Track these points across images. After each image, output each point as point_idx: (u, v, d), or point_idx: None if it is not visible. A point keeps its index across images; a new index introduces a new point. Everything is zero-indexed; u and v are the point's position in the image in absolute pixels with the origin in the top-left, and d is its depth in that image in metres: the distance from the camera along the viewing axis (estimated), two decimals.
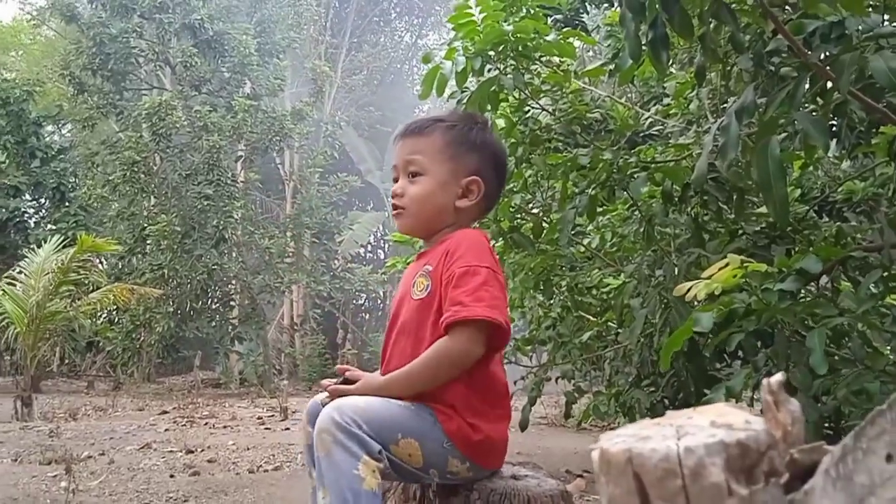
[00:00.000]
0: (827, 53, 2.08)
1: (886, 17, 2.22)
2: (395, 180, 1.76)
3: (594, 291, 3.75)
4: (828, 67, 2.10)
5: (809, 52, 2.08)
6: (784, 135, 2.71)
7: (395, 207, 1.75)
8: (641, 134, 3.45)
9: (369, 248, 23.21)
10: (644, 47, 2.17)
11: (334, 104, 19.60)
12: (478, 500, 1.52)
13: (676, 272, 3.21)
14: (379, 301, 22.52)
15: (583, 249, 3.81)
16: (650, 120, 3.55)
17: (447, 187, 1.69)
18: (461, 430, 1.53)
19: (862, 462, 0.44)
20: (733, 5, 2.32)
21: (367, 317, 23.44)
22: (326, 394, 1.60)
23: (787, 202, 2.17)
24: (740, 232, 3.30)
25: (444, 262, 1.60)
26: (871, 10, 2.19)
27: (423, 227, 1.75)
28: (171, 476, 3.68)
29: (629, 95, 4.62)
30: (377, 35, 24.04)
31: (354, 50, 22.07)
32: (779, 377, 0.51)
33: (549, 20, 4.13)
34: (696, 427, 0.45)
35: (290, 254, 14.86)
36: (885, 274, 3.09)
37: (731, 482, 0.43)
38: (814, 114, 2.46)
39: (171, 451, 4.57)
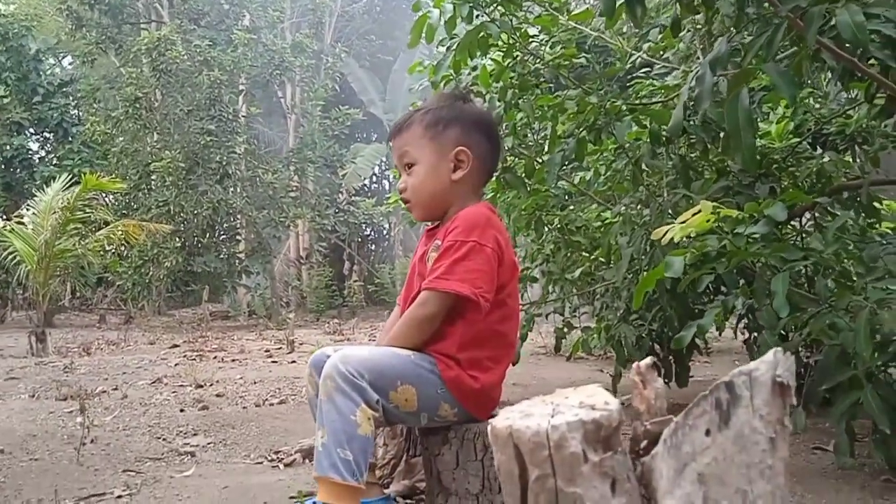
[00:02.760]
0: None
1: None
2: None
3: (584, 229, 3.85)
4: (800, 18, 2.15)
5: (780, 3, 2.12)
6: None
7: (404, 202, 1.90)
8: (630, 76, 3.50)
9: (374, 179, 23.25)
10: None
11: (334, 34, 19.35)
12: (454, 437, 1.66)
13: (662, 212, 3.30)
14: (384, 232, 22.71)
15: (574, 186, 3.90)
16: (640, 60, 3.59)
17: (439, 167, 1.81)
18: (459, 379, 1.67)
19: (688, 434, 0.55)
20: None
21: (374, 248, 23.65)
22: (326, 349, 1.76)
23: (756, 150, 2.25)
24: (728, 170, 3.37)
25: (444, 236, 1.75)
26: None
27: (433, 209, 1.87)
28: (182, 410, 3.87)
29: (629, 24, 4.60)
30: None
31: None
32: (647, 361, 0.62)
33: None
34: (568, 406, 0.56)
35: (294, 188, 14.94)
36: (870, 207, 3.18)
37: (587, 451, 0.54)
38: (791, 60, 2.51)
39: (181, 386, 4.76)
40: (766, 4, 2.29)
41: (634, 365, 0.62)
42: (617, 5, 2.15)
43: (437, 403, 1.67)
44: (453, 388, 1.67)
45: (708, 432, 0.54)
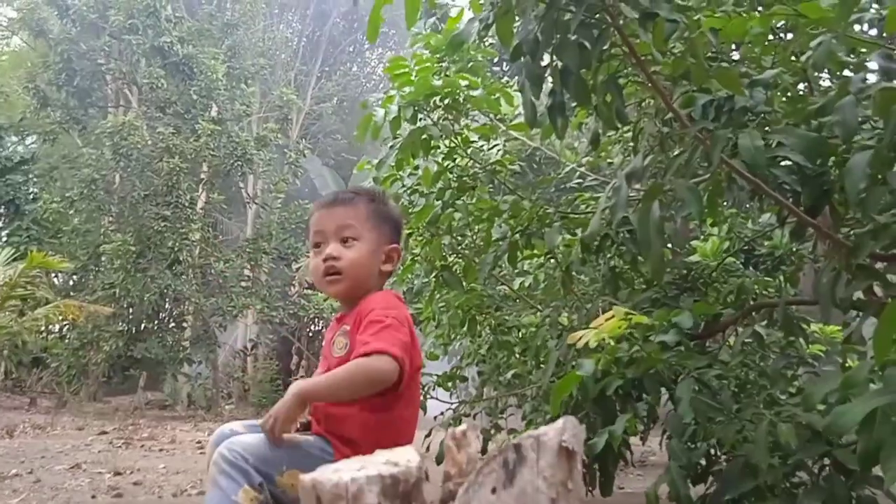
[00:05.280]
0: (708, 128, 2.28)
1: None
2: (316, 245, 1.87)
3: (515, 332, 3.90)
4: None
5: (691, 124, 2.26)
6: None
7: (330, 271, 1.83)
8: (564, 184, 3.65)
9: None
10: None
11: (301, 130, 19.72)
12: None
13: (589, 318, 3.38)
14: None
15: (507, 290, 3.98)
16: (577, 170, 3.74)
17: (375, 253, 1.86)
18: None
19: (478, 492, 0.58)
20: (631, 79, 2.53)
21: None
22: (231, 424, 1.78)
23: (663, 261, 2.35)
24: (655, 282, 3.46)
25: (358, 320, 1.76)
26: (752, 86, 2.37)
27: (355, 290, 1.84)
28: (93, 497, 3.73)
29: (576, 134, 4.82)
30: (349, 64, 24.26)
31: (325, 78, 22.24)
32: (462, 427, 0.66)
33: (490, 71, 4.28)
34: (374, 463, 0.60)
35: (247, 278, 14.84)
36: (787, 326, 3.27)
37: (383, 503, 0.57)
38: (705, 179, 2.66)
39: (99, 473, 4.60)
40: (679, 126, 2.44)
41: (449, 430, 0.66)
42: (539, 116, 2.28)
43: None
44: None
45: (494, 490, 0.58)
